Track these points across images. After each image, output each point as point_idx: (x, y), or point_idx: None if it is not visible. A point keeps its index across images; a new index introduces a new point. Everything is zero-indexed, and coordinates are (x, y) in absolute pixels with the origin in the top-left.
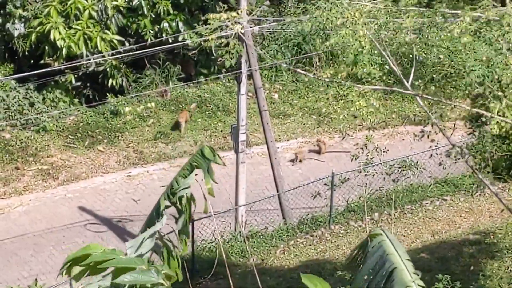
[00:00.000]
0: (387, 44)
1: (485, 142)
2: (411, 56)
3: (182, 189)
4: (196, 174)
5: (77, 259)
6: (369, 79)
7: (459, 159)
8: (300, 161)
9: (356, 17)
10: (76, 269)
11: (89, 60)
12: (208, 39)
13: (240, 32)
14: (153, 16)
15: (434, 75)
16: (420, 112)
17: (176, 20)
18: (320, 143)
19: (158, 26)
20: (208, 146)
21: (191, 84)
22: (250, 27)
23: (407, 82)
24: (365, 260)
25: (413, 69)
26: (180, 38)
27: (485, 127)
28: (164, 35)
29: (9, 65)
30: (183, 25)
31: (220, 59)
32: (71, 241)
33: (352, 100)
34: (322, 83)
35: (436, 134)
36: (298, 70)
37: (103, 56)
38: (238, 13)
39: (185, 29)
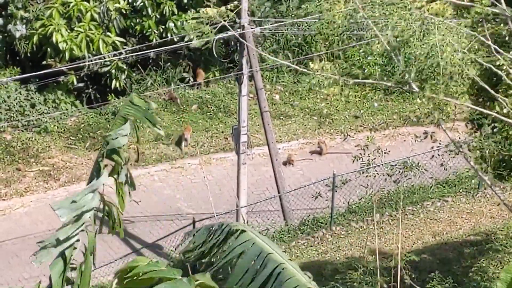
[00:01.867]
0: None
1: (484, 140)
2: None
3: (118, 138)
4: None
5: (125, 271)
6: (370, 80)
7: (457, 154)
8: (291, 163)
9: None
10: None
11: (92, 61)
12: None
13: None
14: (158, 16)
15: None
16: (421, 113)
17: (182, 20)
18: (321, 144)
19: (163, 27)
20: (137, 94)
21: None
22: (251, 28)
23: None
24: (226, 256)
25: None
26: (186, 39)
27: (485, 127)
28: (169, 35)
29: (16, 69)
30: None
31: (194, 42)
32: None
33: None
34: (323, 85)
35: (438, 128)
36: (297, 67)
37: (107, 57)
38: (227, 9)
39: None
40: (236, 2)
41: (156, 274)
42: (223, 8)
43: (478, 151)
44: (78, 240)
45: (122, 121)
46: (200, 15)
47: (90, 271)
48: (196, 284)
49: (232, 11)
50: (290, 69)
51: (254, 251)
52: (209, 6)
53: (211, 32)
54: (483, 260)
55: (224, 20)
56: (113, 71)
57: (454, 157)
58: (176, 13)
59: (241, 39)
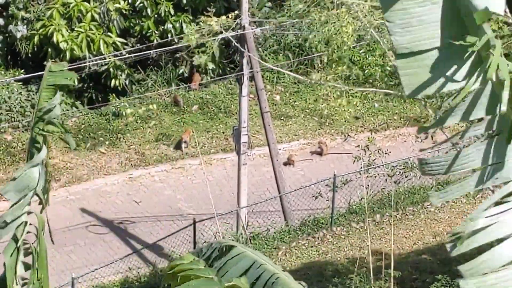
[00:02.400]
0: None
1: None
2: None
3: (51, 110)
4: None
5: (170, 268)
6: (370, 80)
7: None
8: (292, 164)
9: (342, 14)
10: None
11: (92, 60)
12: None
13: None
14: (156, 17)
15: None
16: (421, 114)
17: (180, 21)
18: (321, 145)
19: (163, 27)
20: (54, 62)
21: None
22: (252, 29)
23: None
24: (221, 270)
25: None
26: (184, 40)
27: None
28: (169, 36)
29: (18, 70)
30: (186, 27)
31: (196, 56)
32: (72, 243)
33: (333, 97)
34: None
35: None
36: (296, 75)
37: (107, 57)
38: (228, 17)
39: (189, 31)
40: (237, 12)
41: (193, 272)
42: (223, 17)
43: None
44: (27, 221)
45: (48, 91)
46: (202, 26)
47: (45, 251)
48: (229, 285)
49: (234, 18)
50: (291, 69)
51: (247, 263)
52: (209, 16)
53: (213, 42)
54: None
55: (225, 30)
56: (111, 70)
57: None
58: (172, 13)
59: (241, 48)
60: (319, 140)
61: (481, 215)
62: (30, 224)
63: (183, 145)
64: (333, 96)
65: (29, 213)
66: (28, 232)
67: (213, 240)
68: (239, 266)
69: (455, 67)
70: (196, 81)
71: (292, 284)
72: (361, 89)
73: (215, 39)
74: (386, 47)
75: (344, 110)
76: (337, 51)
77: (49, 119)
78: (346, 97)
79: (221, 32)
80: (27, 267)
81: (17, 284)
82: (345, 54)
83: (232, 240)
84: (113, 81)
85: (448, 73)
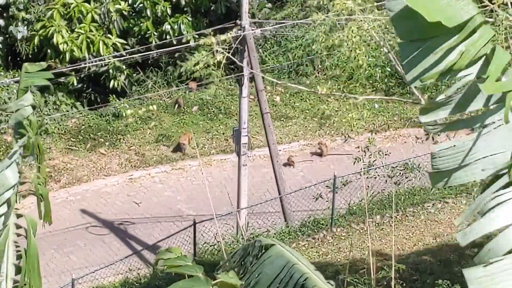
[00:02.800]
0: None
1: None
2: None
3: (20, 110)
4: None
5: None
6: (370, 81)
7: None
8: (291, 165)
9: (353, 35)
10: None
11: (92, 61)
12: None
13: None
14: (154, 17)
15: None
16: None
17: (179, 22)
18: (322, 146)
19: (161, 28)
20: (54, 63)
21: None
22: (252, 30)
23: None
24: (257, 269)
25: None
26: (184, 40)
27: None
28: (167, 37)
29: (19, 71)
30: (185, 28)
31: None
32: (72, 244)
33: (346, 110)
34: (325, 87)
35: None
36: (294, 85)
37: (107, 58)
38: (227, 37)
39: (187, 32)
40: (234, 30)
41: (181, 269)
42: (222, 36)
43: None
44: (4, 223)
45: (23, 93)
46: (202, 42)
47: (35, 254)
48: (216, 282)
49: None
50: (291, 70)
51: (281, 262)
52: (208, 35)
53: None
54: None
55: (224, 48)
56: (111, 71)
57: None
58: (169, 14)
59: (237, 65)
60: (319, 141)
61: (491, 198)
62: (20, 227)
63: (183, 148)
64: (345, 109)
65: (18, 216)
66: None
67: (252, 239)
68: (274, 266)
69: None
70: (193, 86)
71: (319, 284)
72: (366, 97)
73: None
74: (389, 50)
75: (356, 123)
76: (354, 73)
77: (18, 120)
78: (357, 108)
79: (222, 53)
80: (18, 270)
81: None
82: (361, 76)
83: (272, 239)
84: (112, 82)
85: (451, 58)
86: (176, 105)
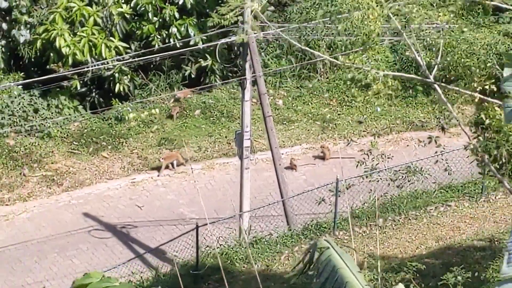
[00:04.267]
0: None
1: (492, 143)
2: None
3: None
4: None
5: (81, 286)
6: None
7: (475, 154)
8: (294, 169)
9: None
10: None
11: (95, 65)
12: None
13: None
14: (160, 21)
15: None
16: (424, 118)
17: (185, 25)
18: (324, 149)
19: (166, 32)
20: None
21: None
22: (254, 33)
23: (430, 74)
24: (315, 275)
25: (438, 59)
26: (191, 43)
27: (489, 131)
28: (172, 40)
29: (19, 74)
30: (192, 30)
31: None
32: (75, 247)
33: (363, 89)
34: (327, 89)
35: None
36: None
37: (110, 62)
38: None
39: (194, 34)
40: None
41: None
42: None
43: (484, 153)
44: None
45: None
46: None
47: None
48: None
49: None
50: (293, 74)
51: (330, 267)
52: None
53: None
54: (487, 265)
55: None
56: (117, 74)
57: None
58: (177, 17)
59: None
60: (322, 145)
61: None
62: None
63: (161, 167)
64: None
65: None
66: None
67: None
68: (326, 269)
69: None
70: (185, 94)
71: None
72: (385, 72)
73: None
74: (409, 39)
75: (383, 95)
76: (366, 40)
77: None
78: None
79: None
80: None
81: None
82: (376, 41)
83: (327, 239)
84: (117, 85)
85: None
86: (170, 115)
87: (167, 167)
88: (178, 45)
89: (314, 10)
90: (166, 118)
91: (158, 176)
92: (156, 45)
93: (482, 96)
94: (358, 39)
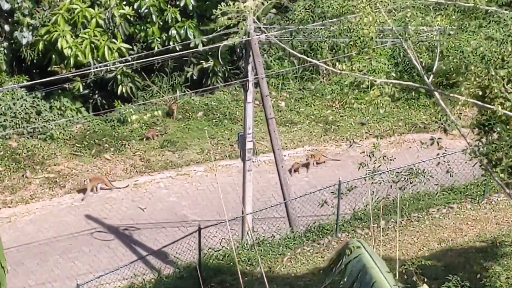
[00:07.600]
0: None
1: (496, 144)
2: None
3: None
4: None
5: None
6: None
7: (474, 156)
8: (296, 171)
9: (364, 4)
10: None
11: (97, 67)
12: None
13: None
14: (161, 23)
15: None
16: (427, 120)
17: (185, 27)
18: (309, 158)
19: (166, 34)
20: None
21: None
22: (257, 35)
23: (427, 79)
24: (344, 274)
25: (435, 65)
26: (191, 45)
27: (492, 133)
28: (171, 42)
29: (23, 76)
30: (192, 32)
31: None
32: (77, 249)
33: (365, 91)
34: (329, 91)
35: (446, 135)
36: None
37: (113, 64)
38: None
39: (194, 36)
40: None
41: None
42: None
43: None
44: None
45: None
46: (229, 9)
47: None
48: None
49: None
50: (296, 76)
51: (359, 266)
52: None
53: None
54: (489, 267)
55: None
56: (119, 76)
57: (472, 161)
58: (179, 20)
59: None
60: (312, 154)
61: None
62: None
63: (87, 190)
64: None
65: None
66: None
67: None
68: (355, 269)
69: None
70: (174, 109)
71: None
72: (382, 80)
73: (220, 46)
74: (404, 41)
75: (380, 101)
76: (360, 44)
77: None
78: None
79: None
80: None
81: None
82: (369, 45)
83: (359, 240)
84: (119, 87)
85: None
86: (168, 112)
87: (92, 189)
88: (177, 48)
89: (318, 7)
90: (166, 117)
91: (83, 200)
92: (156, 48)
93: (476, 102)
94: (354, 42)
